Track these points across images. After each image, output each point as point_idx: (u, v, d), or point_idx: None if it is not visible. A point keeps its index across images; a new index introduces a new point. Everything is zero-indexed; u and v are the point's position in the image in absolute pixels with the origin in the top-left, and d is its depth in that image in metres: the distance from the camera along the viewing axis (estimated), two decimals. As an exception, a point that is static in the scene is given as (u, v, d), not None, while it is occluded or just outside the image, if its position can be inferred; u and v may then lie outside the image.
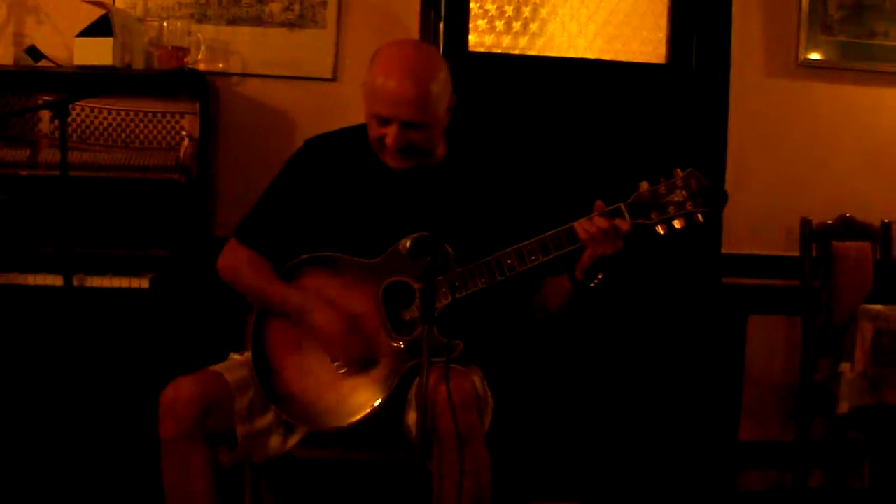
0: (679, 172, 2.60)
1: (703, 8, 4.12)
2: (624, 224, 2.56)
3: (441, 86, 2.70)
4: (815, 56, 4.16)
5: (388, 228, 2.73)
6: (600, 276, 2.67)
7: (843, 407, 3.49)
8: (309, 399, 2.71)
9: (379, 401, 2.67)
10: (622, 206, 2.58)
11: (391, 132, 2.68)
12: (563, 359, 4.03)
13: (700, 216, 2.59)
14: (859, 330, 3.50)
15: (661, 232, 2.59)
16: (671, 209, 2.58)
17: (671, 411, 4.15)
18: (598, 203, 2.61)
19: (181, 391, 2.56)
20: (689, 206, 2.58)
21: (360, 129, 2.85)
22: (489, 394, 2.79)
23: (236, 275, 2.86)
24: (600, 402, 4.13)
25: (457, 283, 2.65)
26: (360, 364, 2.70)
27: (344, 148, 2.88)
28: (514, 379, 3.40)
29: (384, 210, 2.79)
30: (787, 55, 4.17)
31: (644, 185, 2.60)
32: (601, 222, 2.56)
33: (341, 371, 2.71)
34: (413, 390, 2.69)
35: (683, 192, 2.58)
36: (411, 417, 2.66)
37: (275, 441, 2.76)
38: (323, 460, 2.86)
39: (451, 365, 2.44)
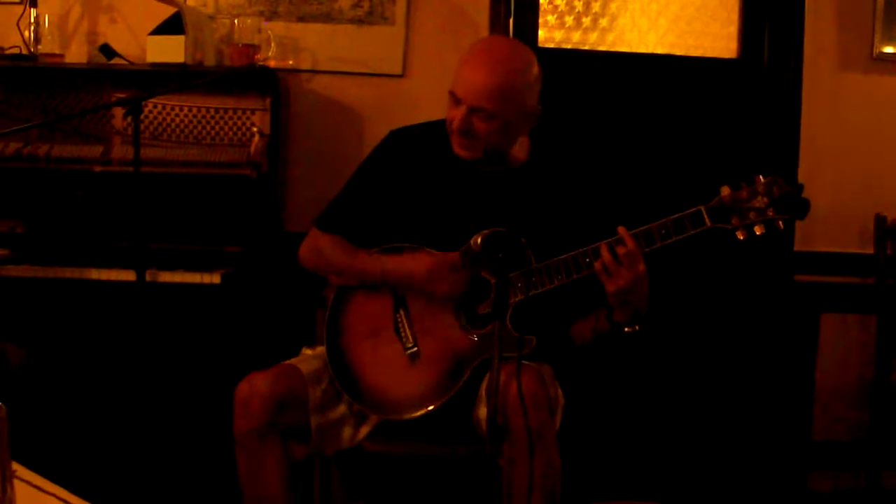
0: (761, 179, 2.56)
1: (775, 1, 4.06)
2: (622, 248, 2.54)
3: (520, 85, 2.69)
4: (890, 49, 4.08)
5: (468, 223, 2.74)
6: (637, 328, 2.65)
7: (919, 408, 3.44)
8: (381, 388, 2.73)
9: (449, 394, 2.68)
10: (702, 209, 2.55)
11: (458, 112, 2.68)
12: (634, 357, 3.99)
13: (781, 223, 2.56)
14: (936, 329, 3.45)
15: (741, 238, 2.56)
16: (752, 215, 2.55)
17: (743, 410, 4.11)
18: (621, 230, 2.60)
19: (256, 387, 2.59)
20: (770, 213, 2.55)
21: (443, 124, 2.86)
22: (560, 392, 2.78)
23: (319, 256, 2.88)
24: (671, 401, 4.10)
25: (533, 279, 2.64)
26: (433, 353, 2.71)
27: (428, 141, 2.88)
28: (585, 377, 3.37)
29: (464, 206, 2.79)
30: (862, 48, 4.09)
31: (725, 190, 2.56)
32: (606, 254, 2.55)
33: (414, 360, 2.73)
34: (484, 384, 2.69)
35: (765, 199, 2.54)
36: (482, 412, 2.66)
37: (346, 433, 2.78)
38: (391, 454, 2.86)
39: (523, 361, 2.43)
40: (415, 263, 2.73)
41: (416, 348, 2.74)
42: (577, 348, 2.87)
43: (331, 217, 2.90)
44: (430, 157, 2.85)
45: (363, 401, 2.74)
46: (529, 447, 2.44)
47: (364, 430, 2.82)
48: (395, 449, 2.84)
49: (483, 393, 2.68)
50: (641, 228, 2.57)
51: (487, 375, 2.62)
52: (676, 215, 2.57)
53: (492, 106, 2.65)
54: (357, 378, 2.75)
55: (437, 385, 2.70)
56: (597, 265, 2.56)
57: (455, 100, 2.69)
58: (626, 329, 2.65)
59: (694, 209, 2.56)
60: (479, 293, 2.74)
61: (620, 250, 2.54)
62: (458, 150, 2.76)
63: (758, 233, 2.56)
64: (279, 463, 2.61)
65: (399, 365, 2.74)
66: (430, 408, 2.68)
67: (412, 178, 2.85)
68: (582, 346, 2.85)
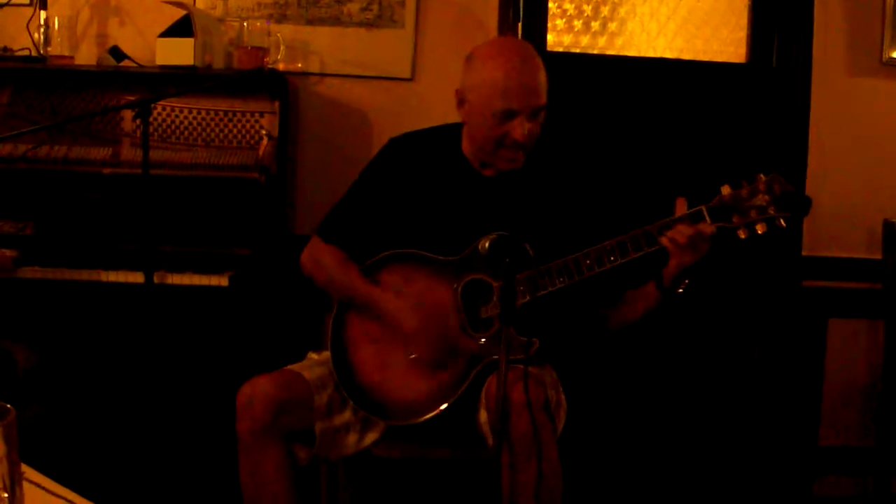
0: (762, 177, 2.56)
1: (785, 6, 4.05)
2: (707, 227, 2.53)
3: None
4: (900, 55, 4.08)
5: (470, 228, 2.73)
6: (686, 282, 2.66)
7: (927, 413, 3.44)
8: (384, 393, 2.73)
9: (453, 398, 2.67)
10: (703, 208, 2.56)
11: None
12: (640, 361, 3.99)
13: (783, 221, 2.55)
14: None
15: (743, 236, 2.56)
16: (753, 213, 2.54)
17: (750, 415, 4.10)
18: (680, 201, 2.60)
19: (258, 389, 2.59)
20: (771, 211, 2.54)
21: (444, 130, 2.85)
22: (563, 396, 2.78)
23: (318, 268, 2.89)
24: (678, 405, 4.10)
25: (536, 282, 2.63)
26: (435, 359, 2.71)
27: (428, 148, 2.88)
28: (590, 380, 3.38)
29: (466, 210, 2.79)
30: (871, 53, 4.08)
31: (726, 189, 2.56)
32: (684, 229, 2.53)
33: (417, 365, 2.72)
34: (485, 388, 2.68)
35: (766, 197, 2.54)
36: (482, 416, 2.66)
37: (351, 438, 2.78)
38: (397, 458, 2.87)
39: (520, 366, 2.42)
40: (401, 319, 2.72)
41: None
42: (612, 333, 2.87)
43: (332, 226, 2.91)
44: (430, 162, 2.86)
45: (366, 405, 2.74)
46: (528, 451, 2.45)
47: (370, 437, 2.81)
48: (398, 452, 2.85)
49: (483, 397, 2.68)
50: (641, 229, 2.58)
51: (487, 380, 2.62)
52: (678, 215, 2.57)
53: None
54: (360, 382, 2.75)
55: (442, 388, 2.69)
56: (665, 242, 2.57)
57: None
58: (678, 291, 2.67)
59: (695, 209, 2.57)
60: (481, 297, 2.74)
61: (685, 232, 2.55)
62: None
63: (759, 231, 2.55)
64: (280, 465, 2.61)
65: (401, 370, 2.73)
66: (432, 414, 2.68)
67: (413, 185, 2.84)
68: (638, 318, 2.83)
